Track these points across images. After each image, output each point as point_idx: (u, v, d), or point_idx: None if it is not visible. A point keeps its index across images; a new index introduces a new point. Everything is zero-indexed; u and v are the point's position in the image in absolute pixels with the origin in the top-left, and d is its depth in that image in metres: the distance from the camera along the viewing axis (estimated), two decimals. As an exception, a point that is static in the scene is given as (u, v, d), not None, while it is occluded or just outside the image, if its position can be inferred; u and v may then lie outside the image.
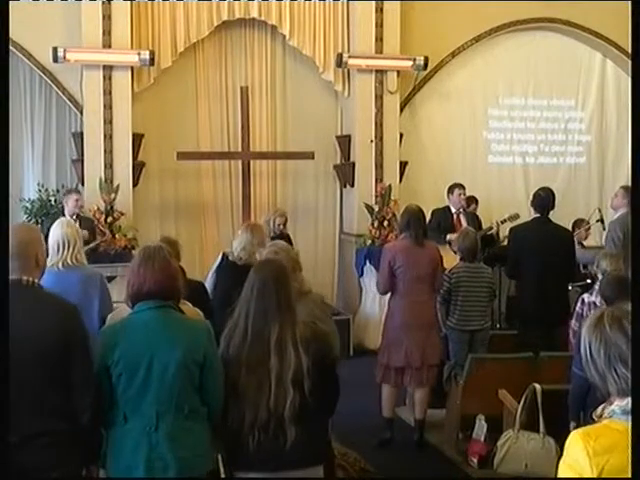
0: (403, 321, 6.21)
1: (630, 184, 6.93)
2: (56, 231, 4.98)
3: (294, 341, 3.47)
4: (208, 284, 5.87)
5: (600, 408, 2.33)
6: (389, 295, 6.46)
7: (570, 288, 7.34)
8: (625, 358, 2.23)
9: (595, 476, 2.13)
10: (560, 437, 4.93)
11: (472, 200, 9.62)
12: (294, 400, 3.41)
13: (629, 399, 2.22)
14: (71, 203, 8.29)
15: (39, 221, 8.87)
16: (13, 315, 3.03)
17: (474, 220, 8.97)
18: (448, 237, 8.51)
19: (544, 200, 6.94)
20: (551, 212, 6.97)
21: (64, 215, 8.08)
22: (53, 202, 9.16)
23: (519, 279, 7.12)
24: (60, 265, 4.90)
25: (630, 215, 6.47)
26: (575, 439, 2.20)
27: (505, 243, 8.85)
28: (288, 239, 7.86)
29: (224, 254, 6.05)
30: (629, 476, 2.12)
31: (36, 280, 3.23)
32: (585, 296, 5.69)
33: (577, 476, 2.16)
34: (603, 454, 2.14)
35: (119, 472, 3.33)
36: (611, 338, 2.25)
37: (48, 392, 3.13)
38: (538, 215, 6.92)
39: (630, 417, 2.20)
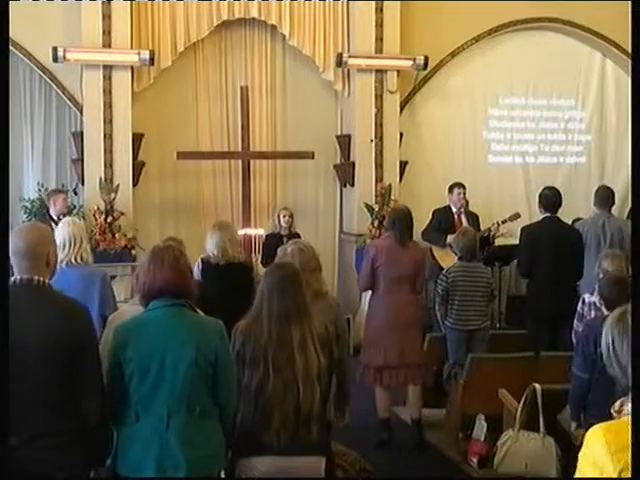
0: (383, 320, 6.22)
1: (630, 184, 6.94)
2: (62, 230, 5.03)
3: (313, 340, 3.60)
4: None
5: (618, 403, 2.34)
6: (370, 294, 6.46)
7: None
8: None
9: (617, 472, 2.12)
10: (560, 437, 4.96)
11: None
12: (320, 397, 3.55)
13: None
14: (60, 203, 8.26)
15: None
16: (22, 315, 3.03)
17: (475, 220, 8.96)
18: (449, 240, 8.49)
19: (551, 199, 6.94)
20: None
21: (49, 216, 8.07)
22: (53, 202, 9.15)
23: (532, 278, 7.08)
24: (64, 263, 4.93)
25: (631, 215, 6.49)
26: (596, 434, 2.20)
27: (501, 244, 8.90)
28: (298, 238, 7.85)
29: (202, 259, 6.07)
30: None
31: (46, 280, 3.22)
32: (586, 296, 5.69)
33: (598, 471, 2.15)
34: (624, 450, 2.13)
35: (129, 470, 3.33)
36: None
37: (56, 393, 3.11)
38: (548, 214, 6.93)
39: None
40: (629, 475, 2.12)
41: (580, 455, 2.24)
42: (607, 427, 2.22)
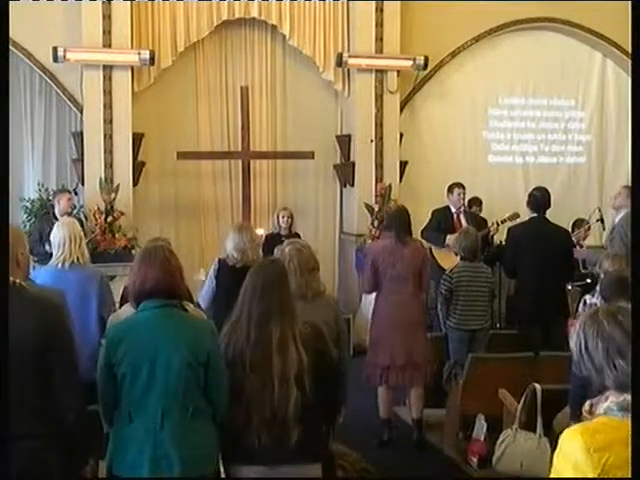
0: (387, 320, 6.22)
1: (630, 184, 6.94)
2: (58, 230, 5.03)
3: (295, 340, 3.49)
4: (205, 291, 5.84)
5: (588, 404, 2.33)
6: (375, 294, 6.48)
7: (570, 288, 7.35)
8: (623, 352, 2.24)
9: (597, 473, 2.11)
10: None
11: (476, 201, 9.63)
12: (297, 399, 3.42)
13: (625, 395, 2.23)
14: (64, 202, 8.26)
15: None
16: None
17: (474, 220, 8.96)
18: (448, 239, 8.49)
19: (540, 200, 6.98)
20: (551, 212, 7.00)
21: (54, 215, 8.10)
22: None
23: (517, 278, 7.13)
24: (60, 264, 4.93)
25: (630, 215, 6.49)
26: (572, 436, 2.19)
27: (502, 243, 8.90)
28: (298, 238, 7.86)
29: (220, 259, 6.04)
30: (627, 470, 2.11)
31: (17, 280, 3.17)
32: (587, 297, 5.69)
33: (574, 470, 2.14)
34: (604, 450, 2.12)
35: (124, 471, 3.34)
36: (609, 332, 2.26)
37: (34, 394, 3.07)
38: (535, 215, 6.96)
39: (627, 413, 2.20)
40: (609, 475, 2.11)
41: (557, 457, 2.22)
42: (585, 428, 2.21)
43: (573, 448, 2.16)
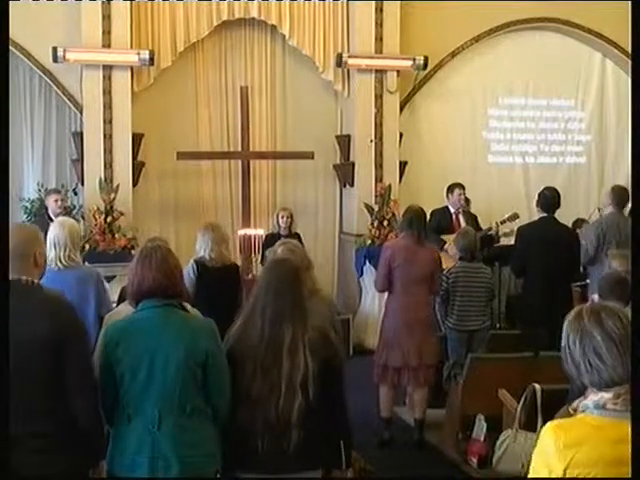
0: (401, 321, 6.21)
1: (630, 184, 6.92)
2: (51, 231, 5.04)
3: (304, 345, 3.47)
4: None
5: (576, 402, 2.34)
6: (386, 294, 6.47)
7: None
8: (598, 350, 2.23)
9: (562, 469, 2.14)
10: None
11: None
12: (301, 404, 3.41)
13: (602, 394, 2.24)
14: (52, 204, 8.27)
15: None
16: (11, 316, 3.00)
17: (473, 220, 8.97)
18: (446, 246, 8.48)
19: (550, 200, 6.96)
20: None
21: (49, 216, 8.10)
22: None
23: (525, 278, 7.10)
24: (54, 265, 4.94)
25: (631, 215, 6.48)
26: (548, 430, 2.22)
27: (503, 243, 8.90)
28: (298, 238, 7.90)
29: (196, 261, 6.01)
30: (595, 468, 2.13)
31: (35, 280, 3.21)
32: (595, 296, 5.67)
33: (545, 465, 2.17)
34: (571, 447, 2.15)
35: (123, 470, 3.34)
36: (587, 329, 2.26)
37: (43, 394, 3.09)
38: (544, 215, 6.94)
39: (603, 412, 2.21)
40: (575, 472, 2.13)
41: (535, 453, 2.24)
42: (559, 424, 2.23)
43: (545, 442, 2.20)
